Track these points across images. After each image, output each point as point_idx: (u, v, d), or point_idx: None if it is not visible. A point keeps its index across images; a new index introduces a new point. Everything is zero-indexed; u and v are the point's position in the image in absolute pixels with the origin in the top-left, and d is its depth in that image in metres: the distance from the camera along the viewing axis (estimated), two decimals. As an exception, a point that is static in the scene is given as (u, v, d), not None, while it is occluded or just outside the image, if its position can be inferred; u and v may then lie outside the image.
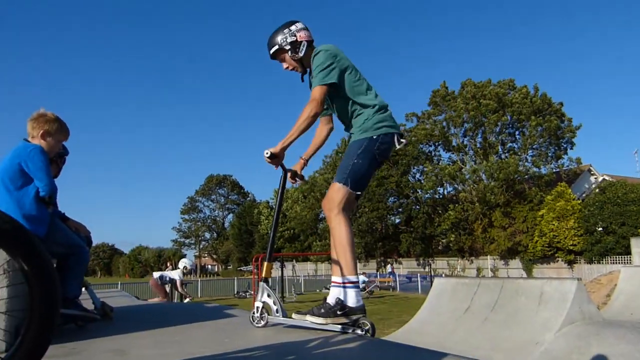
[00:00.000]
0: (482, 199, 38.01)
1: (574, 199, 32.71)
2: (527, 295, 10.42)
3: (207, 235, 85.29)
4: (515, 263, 36.79)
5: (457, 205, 41.23)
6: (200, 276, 65.45)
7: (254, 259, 26.67)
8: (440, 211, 42.82)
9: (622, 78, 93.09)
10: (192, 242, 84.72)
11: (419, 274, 32.14)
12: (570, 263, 32.21)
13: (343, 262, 3.06)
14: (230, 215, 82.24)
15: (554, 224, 32.11)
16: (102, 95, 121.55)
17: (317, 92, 2.92)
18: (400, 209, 46.45)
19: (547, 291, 10.04)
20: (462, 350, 8.79)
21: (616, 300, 15.34)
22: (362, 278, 25.83)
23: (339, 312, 3.03)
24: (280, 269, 27.48)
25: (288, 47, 3.10)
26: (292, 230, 56.85)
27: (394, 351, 3.04)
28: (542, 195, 34.73)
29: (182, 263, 17.63)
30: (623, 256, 26.88)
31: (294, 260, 37.35)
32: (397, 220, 47.77)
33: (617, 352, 7.93)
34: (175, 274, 17.12)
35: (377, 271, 43.03)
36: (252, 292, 25.87)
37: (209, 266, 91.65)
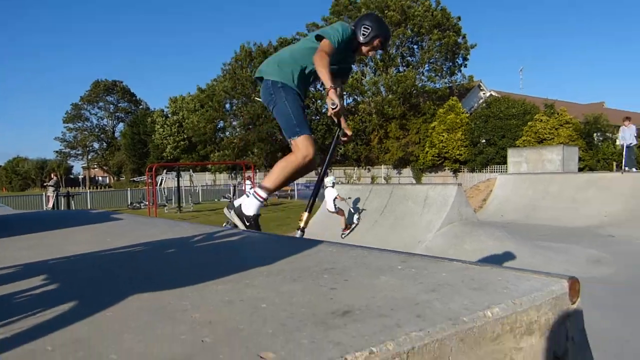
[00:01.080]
0: (379, 111, 39.05)
1: (463, 113, 34.71)
2: (413, 200, 11.07)
3: (96, 145, 79.84)
4: (407, 172, 39.07)
5: (355, 116, 42.05)
6: (90, 188, 62.12)
7: (147, 169, 25.62)
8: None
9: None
10: (79, 152, 79.04)
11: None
12: (456, 172, 34.86)
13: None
14: (121, 125, 77.24)
15: (443, 136, 34.12)
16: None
17: None
18: (302, 120, 46.52)
19: (431, 195, 10.72)
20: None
21: (491, 204, 16.97)
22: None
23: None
24: (176, 179, 26.79)
25: None
26: (187, 141, 55.01)
27: (292, 241, 3.04)
28: (435, 109, 36.40)
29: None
30: (501, 165, 29.44)
31: (191, 170, 36.48)
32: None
33: (486, 247, 8.78)
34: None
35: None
36: (147, 203, 25.14)
37: (100, 178, 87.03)
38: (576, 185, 15.03)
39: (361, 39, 3.43)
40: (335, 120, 3.45)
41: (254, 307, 1.39)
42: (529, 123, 30.02)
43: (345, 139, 3.76)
